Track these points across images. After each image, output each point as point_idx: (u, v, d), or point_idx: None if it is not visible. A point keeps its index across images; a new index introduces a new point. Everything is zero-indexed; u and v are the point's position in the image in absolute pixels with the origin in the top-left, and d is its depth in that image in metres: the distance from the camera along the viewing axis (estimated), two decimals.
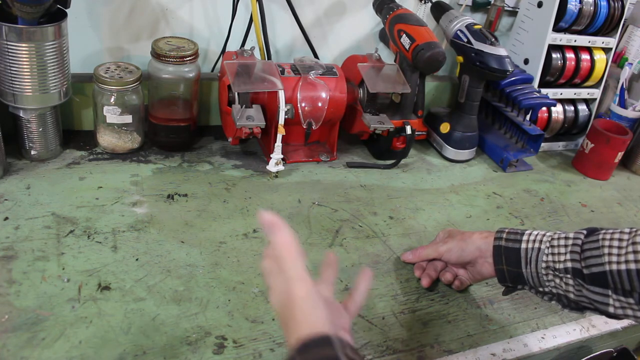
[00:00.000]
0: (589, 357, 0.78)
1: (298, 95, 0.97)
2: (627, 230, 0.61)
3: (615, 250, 0.60)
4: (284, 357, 0.63)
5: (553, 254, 0.65)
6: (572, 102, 1.27)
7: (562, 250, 0.64)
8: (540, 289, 0.67)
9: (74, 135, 0.99)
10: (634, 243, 0.59)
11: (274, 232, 0.52)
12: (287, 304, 0.50)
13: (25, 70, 0.81)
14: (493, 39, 1.05)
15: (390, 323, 0.71)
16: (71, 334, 0.62)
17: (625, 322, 0.79)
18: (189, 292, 0.70)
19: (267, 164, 0.97)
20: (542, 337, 0.74)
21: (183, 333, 0.64)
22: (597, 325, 0.78)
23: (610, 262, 0.59)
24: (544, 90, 1.19)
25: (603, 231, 0.63)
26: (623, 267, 0.58)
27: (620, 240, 0.60)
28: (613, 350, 0.81)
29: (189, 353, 0.62)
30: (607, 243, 0.61)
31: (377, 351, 0.67)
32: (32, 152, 0.90)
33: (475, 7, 1.26)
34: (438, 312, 0.75)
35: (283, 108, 0.92)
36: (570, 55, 1.21)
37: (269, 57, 1.07)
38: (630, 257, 0.58)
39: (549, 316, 0.78)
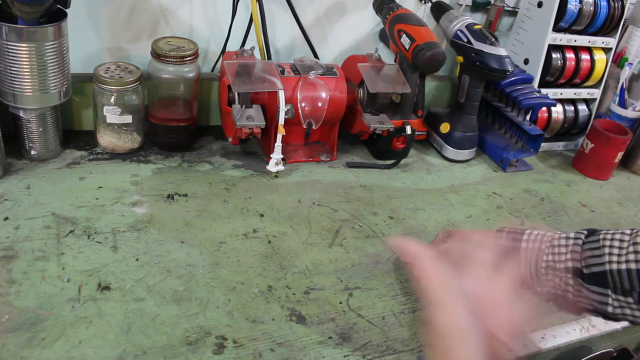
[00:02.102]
0: (589, 357, 0.78)
1: (298, 95, 0.97)
2: (628, 231, 0.61)
3: (615, 251, 0.60)
4: None
5: (554, 253, 0.65)
6: (572, 102, 1.27)
7: (563, 250, 0.64)
8: (539, 289, 0.67)
9: (74, 135, 0.99)
10: (634, 243, 0.59)
11: (417, 264, 0.52)
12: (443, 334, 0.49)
13: (25, 70, 0.81)
14: (493, 39, 1.05)
15: (390, 323, 0.71)
16: (71, 334, 0.62)
17: (625, 322, 0.79)
18: (189, 292, 0.70)
19: (267, 164, 0.97)
20: (542, 337, 0.74)
21: (183, 333, 0.64)
22: (597, 325, 0.78)
23: (610, 262, 0.60)
24: (544, 90, 1.19)
25: (604, 232, 0.63)
26: (623, 266, 0.59)
27: (621, 241, 0.60)
28: (613, 350, 0.81)
29: (189, 353, 0.62)
30: (607, 243, 0.61)
31: (377, 351, 0.67)
32: (32, 152, 0.90)
33: (475, 7, 1.26)
34: None
35: (283, 108, 0.92)
36: (570, 55, 1.21)
37: (269, 57, 1.07)
38: (631, 257, 0.58)
39: (548, 316, 0.78)
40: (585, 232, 0.65)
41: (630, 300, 0.59)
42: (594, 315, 0.64)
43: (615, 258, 0.59)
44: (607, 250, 0.60)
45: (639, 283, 0.58)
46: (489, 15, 1.25)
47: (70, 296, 0.67)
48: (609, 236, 0.62)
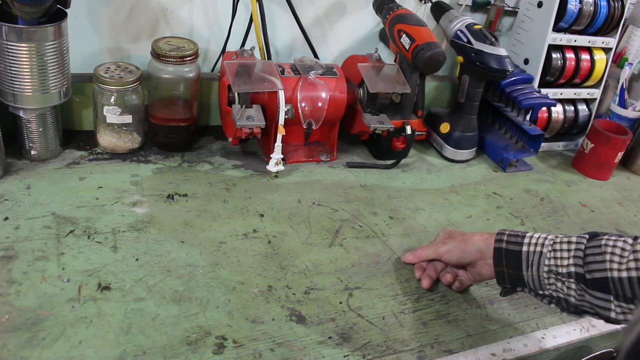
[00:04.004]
0: (589, 357, 0.78)
1: (298, 95, 0.97)
2: (630, 240, 0.61)
3: (616, 258, 0.60)
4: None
5: (555, 258, 0.65)
6: (572, 102, 1.27)
7: (565, 254, 0.64)
8: (540, 292, 0.67)
9: (74, 135, 0.99)
10: (635, 251, 0.59)
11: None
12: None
13: (25, 70, 0.81)
14: (493, 39, 1.05)
15: (390, 323, 0.71)
16: (71, 334, 0.62)
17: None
18: (189, 292, 0.70)
19: (267, 164, 0.97)
20: (542, 337, 0.74)
21: (183, 333, 0.64)
22: (597, 325, 0.78)
23: (611, 269, 0.60)
24: (544, 90, 1.19)
25: (606, 237, 0.63)
26: (624, 274, 0.59)
27: (622, 249, 0.60)
28: (613, 350, 0.81)
29: (189, 353, 0.62)
30: (609, 250, 0.61)
31: (377, 351, 0.67)
32: (32, 152, 0.90)
33: (475, 7, 1.26)
34: (438, 312, 0.75)
35: (283, 108, 0.92)
36: (570, 55, 1.21)
37: (269, 57, 1.07)
38: (632, 264, 0.58)
39: (549, 316, 0.78)
40: (587, 236, 0.64)
41: (633, 307, 0.59)
42: (596, 318, 0.64)
43: (616, 265, 0.59)
44: (608, 257, 0.60)
45: None
46: (489, 15, 1.26)
47: (70, 296, 0.67)
48: (610, 242, 0.61)
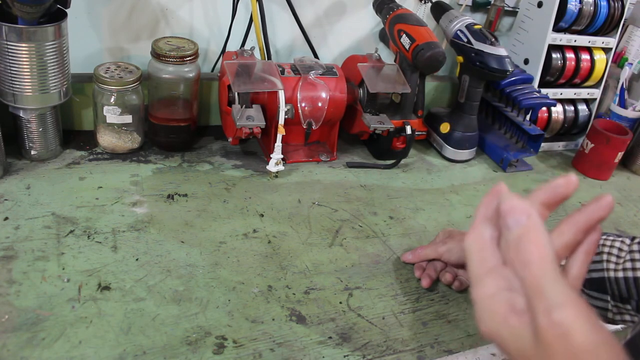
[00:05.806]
0: None
1: (298, 95, 0.97)
2: (627, 241, 0.61)
3: (613, 258, 0.60)
4: None
5: None
6: (572, 102, 1.27)
7: None
8: None
9: (74, 135, 0.99)
10: (631, 252, 0.59)
11: (519, 220, 0.35)
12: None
13: (25, 70, 0.81)
14: (493, 39, 1.05)
15: (390, 323, 0.71)
16: (71, 334, 0.62)
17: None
18: (189, 292, 0.70)
19: (267, 164, 0.97)
20: None
21: (183, 333, 0.64)
22: None
23: (608, 269, 0.60)
24: (544, 90, 1.19)
25: (604, 237, 0.63)
26: (620, 274, 0.59)
27: (620, 249, 0.60)
28: None
29: (189, 353, 0.62)
30: (606, 250, 0.61)
31: (377, 351, 0.67)
32: (32, 152, 0.90)
33: (475, 7, 1.26)
34: (438, 312, 0.75)
35: (283, 108, 0.92)
36: (570, 55, 1.21)
37: (269, 57, 1.07)
38: (628, 265, 0.59)
39: None
40: None
41: (629, 307, 0.59)
42: None
43: (612, 265, 0.60)
44: (605, 257, 0.61)
45: (636, 291, 0.58)
46: (489, 15, 1.25)
47: (70, 296, 0.67)
48: (608, 242, 0.62)
